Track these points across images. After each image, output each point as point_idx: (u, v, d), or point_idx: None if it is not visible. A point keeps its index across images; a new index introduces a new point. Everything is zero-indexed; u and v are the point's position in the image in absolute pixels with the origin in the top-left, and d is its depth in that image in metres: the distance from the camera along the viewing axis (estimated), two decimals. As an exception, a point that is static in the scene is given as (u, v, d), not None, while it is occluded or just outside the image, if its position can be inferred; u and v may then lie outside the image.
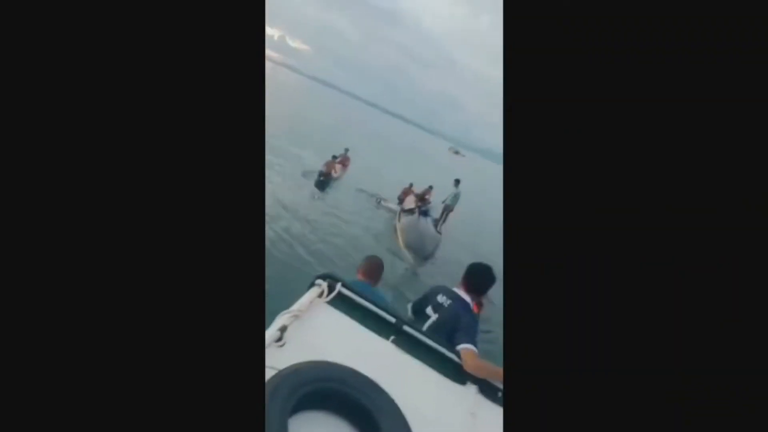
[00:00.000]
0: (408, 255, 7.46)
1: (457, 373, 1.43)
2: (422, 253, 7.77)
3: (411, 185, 11.11)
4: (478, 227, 13.30)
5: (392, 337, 1.41)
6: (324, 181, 9.92)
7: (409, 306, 2.14)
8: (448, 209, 10.91)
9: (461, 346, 1.57)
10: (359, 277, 2.23)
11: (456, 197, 11.01)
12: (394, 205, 10.35)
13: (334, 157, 11.21)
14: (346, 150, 12.20)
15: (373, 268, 2.26)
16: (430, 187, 11.22)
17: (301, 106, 35.35)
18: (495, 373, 1.45)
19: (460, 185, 11.20)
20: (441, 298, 1.98)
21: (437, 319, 1.90)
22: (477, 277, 2.04)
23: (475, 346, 1.62)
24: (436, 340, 1.51)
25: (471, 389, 1.40)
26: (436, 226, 9.75)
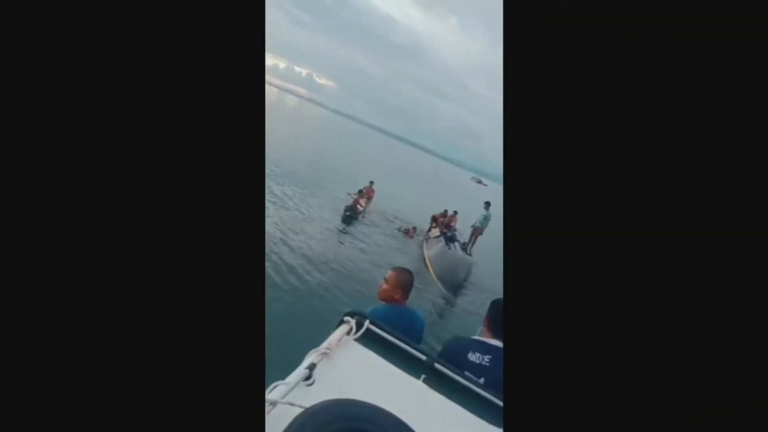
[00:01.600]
0: (441, 285, 7.43)
1: (493, 414, 1.34)
2: (455, 281, 7.71)
3: (445, 211, 11.15)
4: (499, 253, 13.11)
5: (423, 376, 1.36)
6: (350, 216, 10.11)
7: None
8: (477, 231, 10.98)
9: None
10: (388, 290, 2.12)
11: (486, 219, 11.06)
12: (420, 235, 10.40)
13: (360, 191, 11.39)
14: (371, 182, 12.34)
15: (402, 281, 2.13)
16: (455, 213, 11.28)
17: (327, 139, 36.26)
18: None
19: (491, 208, 11.22)
20: (475, 357, 1.71)
21: (484, 383, 1.67)
22: (500, 318, 1.81)
23: None
24: (470, 380, 1.44)
25: None
26: (465, 249, 9.74)
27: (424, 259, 8.51)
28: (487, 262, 10.04)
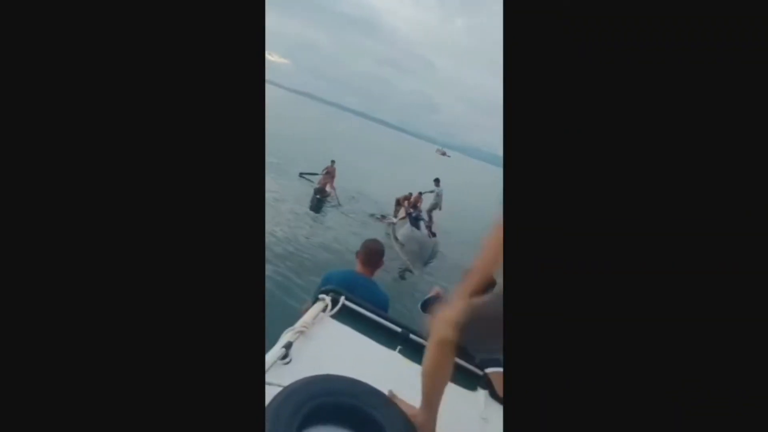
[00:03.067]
0: (409, 264, 7.74)
1: (466, 379, 1.40)
2: (422, 261, 8.02)
3: (410, 194, 10.86)
4: (470, 221, 13.51)
5: (399, 347, 1.42)
6: (321, 200, 9.90)
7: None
8: (434, 207, 11.32)
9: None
10: (358, 265, 2.18)
11: (438, 196, 11.45)
12: (392, 219, 10.34)
13: (326, 172, 11.03)
14: (333, 162, 11.62)
15: (372, 254, 2.19)
16: (420, 194, 11.17)
17: (285, 119, 35.28)
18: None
19: (441, 183, 11.71)
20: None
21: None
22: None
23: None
24: None
25: (481, 394, 1.39)
26: (429, 229, 10.00)
27: (393, 239, 8.70)
28: (450, 240, 10.25)
